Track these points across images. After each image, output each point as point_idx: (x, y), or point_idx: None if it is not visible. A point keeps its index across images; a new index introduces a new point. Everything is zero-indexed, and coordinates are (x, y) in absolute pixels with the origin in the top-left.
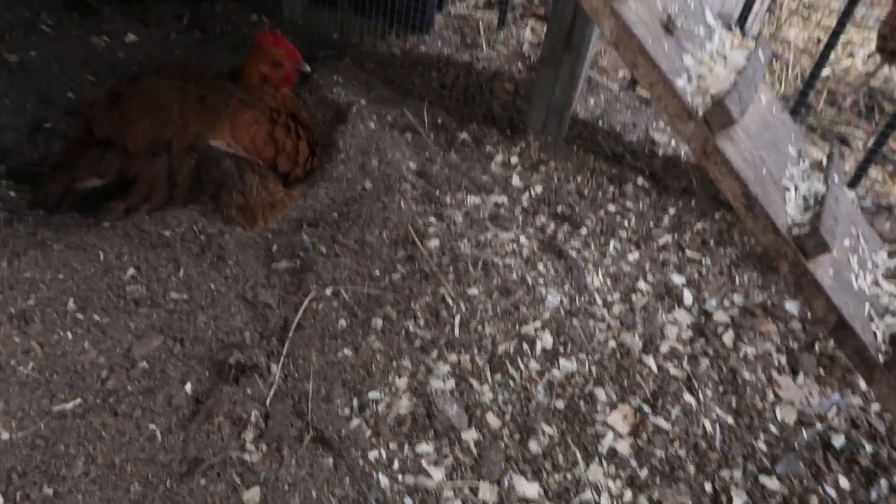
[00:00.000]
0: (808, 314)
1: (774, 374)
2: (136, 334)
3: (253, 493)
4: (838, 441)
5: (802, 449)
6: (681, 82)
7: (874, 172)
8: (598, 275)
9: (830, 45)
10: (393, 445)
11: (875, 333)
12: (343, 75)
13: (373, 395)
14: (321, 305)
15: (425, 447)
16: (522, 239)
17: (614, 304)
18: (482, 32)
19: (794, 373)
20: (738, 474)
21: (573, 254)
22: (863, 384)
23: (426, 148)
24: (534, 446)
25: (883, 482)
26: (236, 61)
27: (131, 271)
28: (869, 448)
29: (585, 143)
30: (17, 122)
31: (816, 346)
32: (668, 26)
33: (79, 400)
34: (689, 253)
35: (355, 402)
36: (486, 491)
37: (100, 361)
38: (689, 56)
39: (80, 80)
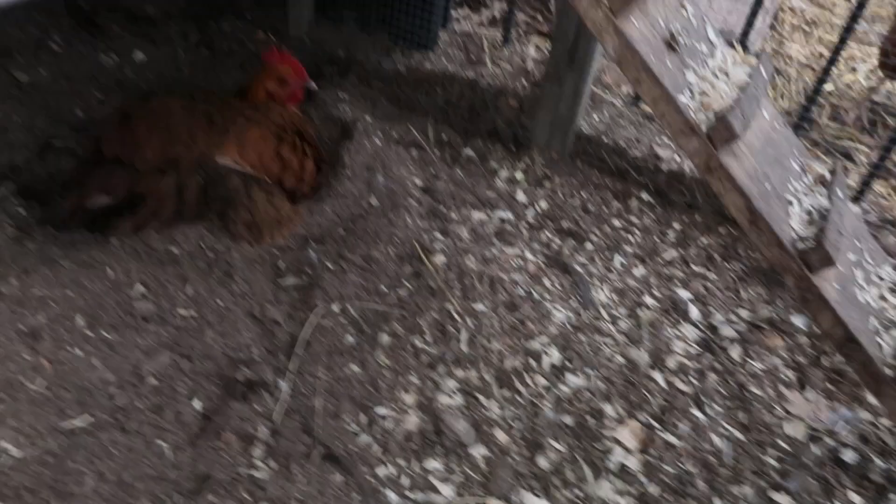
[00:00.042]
0: (815, 328)
1: (783, 388)
2: (145, 351)
3: None
4: (849, 456)
5: (813, 464)
6: (683, 98)
7: (878, 187)
8: (603, 290)
9: (832, 61)
10: (401, 461)
11: (882, 347)
12: (348, 92)
13: (380, 410)
14: (328, 321)
15: (434, 463)
16: (528, 254)
17: (620, 318)
18: (486, 49)
19: (803, 387)
20: (748, 490)
21: (579, 269)
22: (872, 398)
23: (431, 164)
24: (542, 462)
25: (894, 497)
26: (244, 79)
27: (140, 288)
28: (880, 463)
29: (590, 158)
30: (28, 139)
31: (824, 361)
32: (671, 43)
33: (88, 416)
34: (694, 267)
35: (363, 417)
36: None
37: (109, 378)
38: (691, 72)
39: (89, 97)
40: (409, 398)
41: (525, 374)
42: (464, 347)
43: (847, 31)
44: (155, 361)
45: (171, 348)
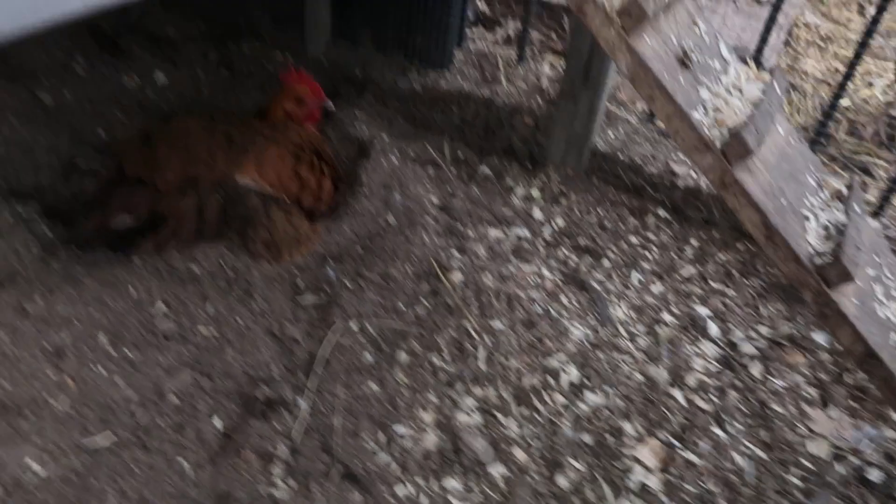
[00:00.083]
0: (836, 344)
1: (805, 406)
2: (166, 369)
3: None
4: (874, 475)
5: (837, 483)
6: (697, 115)
7: None
8: (621, 307)
9: (848, 76)
10: (420, 480)
11: None
12: (365, 111)
13: (399, 429)
14: (347, 339)
15: (453, 482)
16: (545, 271)
17: (639, 336)
18: (501, 68)
19: (825, 405)
20: None
21: (596, 286)
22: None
23: (448, 182)
24: (562, 481)
25: None
26: (263, 100)
27: (161, 306)
28: None
29: (606, 175)
30: (52, 160)
31: (847, 378)
32: (684, 60)
33: (111, 434)
34: (713, 284)
35: (382, 436)
36: None
37: (131, 396)
38: (704, 89)
39: (112, 118)
40: (427, 416)
41: (543, 392)
42: (482, 365)
43: (862, 46)
44: (176, 380)
45: (192, 366)
